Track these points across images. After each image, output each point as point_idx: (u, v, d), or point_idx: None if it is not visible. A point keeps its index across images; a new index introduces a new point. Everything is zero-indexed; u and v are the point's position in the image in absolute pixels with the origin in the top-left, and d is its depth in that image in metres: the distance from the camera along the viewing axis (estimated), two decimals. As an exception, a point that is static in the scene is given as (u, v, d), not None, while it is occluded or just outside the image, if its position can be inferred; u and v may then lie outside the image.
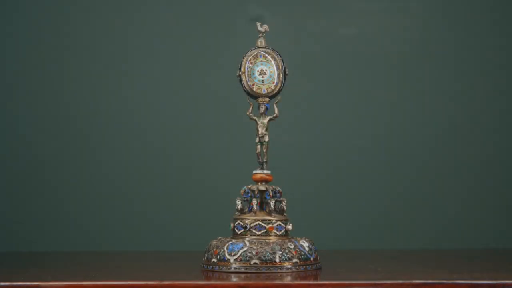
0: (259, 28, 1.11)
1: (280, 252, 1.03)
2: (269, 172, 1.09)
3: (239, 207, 1.08)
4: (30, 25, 1.48)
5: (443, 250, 1.40)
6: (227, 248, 1.04)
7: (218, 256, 1.05)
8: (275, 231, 1.06)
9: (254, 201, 1.08)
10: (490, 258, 1.26)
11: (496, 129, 1.52)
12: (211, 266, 1.05)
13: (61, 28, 1.49)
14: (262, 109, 1.10)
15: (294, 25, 1.51)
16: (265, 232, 1.06)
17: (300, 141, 1.50)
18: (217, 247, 1.06)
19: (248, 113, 1.10)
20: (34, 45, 1.49)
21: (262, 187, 1.08)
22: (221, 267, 1.04)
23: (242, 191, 1.09)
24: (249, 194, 1.08)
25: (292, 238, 1.08)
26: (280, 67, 1.10)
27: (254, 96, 1.10)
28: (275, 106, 1.10)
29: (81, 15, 1.49)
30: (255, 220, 1.06)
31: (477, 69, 1.52)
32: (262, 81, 1.10)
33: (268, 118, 1.10)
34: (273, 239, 1.05)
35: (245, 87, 1.10)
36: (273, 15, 1.49)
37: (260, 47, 1.10)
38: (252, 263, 1.02)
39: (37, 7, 1.48)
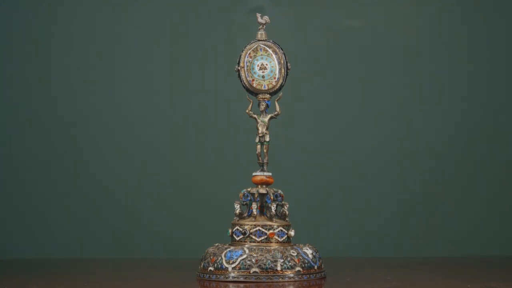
0: (259, 19, 1.08)
1: (282, 260, 1.01)
2: (270, 174, 1.07)
3: (237, 211, 1.06)
4: (18, 23, 1.47)
5: (457, 258, 1.38)
6: (225, 256, 1.02)
7: (215, 264, 1.02)
8: (277, 238, 1.04)
9: (254, 205, 1.05)
10: (509, 266, 1.25)
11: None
12: (207, 275, 1.03)
13: (52, 25, 1.48)
14: (262, 107, 1.07)
15: (297, 16, 1.49)
16: (266, 238, 1.04)
17: (303, 140, 1.48)
18: (214, 254, 1.03)
19: (247, 111, 1.08)
20: (22, 44, 1.47)
21: (262, 190, 1.06)
22: (218, 276, 1.02)
23: (241, 194, 1.07)
24: (249, 198, 1.06)
25: (295, 245, 1.05)
26: (282, 62, 1.07)
27: (254, 92, 1.08)
28: (276, 104, 1.08)
29: (72, 8, 1.48)
30: (255, 226, 1.04)
31: (493, 63, 1.50)
32: (263, 77, 1.07)
33: (269, 116, 1.07)
34: (274, 246, 1.03)
35: (244, 83, 1.07)
36: (274, 6, 1.47)
37: (261, 40, 1.08)
38: (251, 271, 1.00)
39: (24, 6, 1.47)
